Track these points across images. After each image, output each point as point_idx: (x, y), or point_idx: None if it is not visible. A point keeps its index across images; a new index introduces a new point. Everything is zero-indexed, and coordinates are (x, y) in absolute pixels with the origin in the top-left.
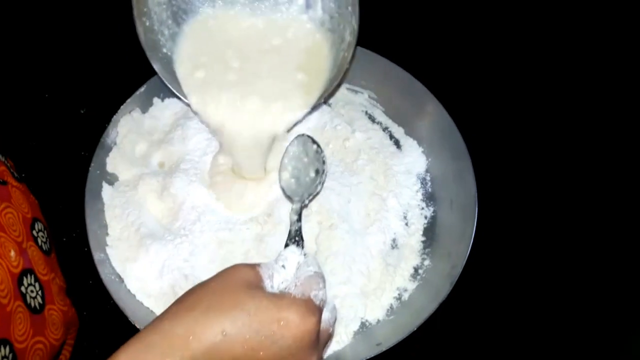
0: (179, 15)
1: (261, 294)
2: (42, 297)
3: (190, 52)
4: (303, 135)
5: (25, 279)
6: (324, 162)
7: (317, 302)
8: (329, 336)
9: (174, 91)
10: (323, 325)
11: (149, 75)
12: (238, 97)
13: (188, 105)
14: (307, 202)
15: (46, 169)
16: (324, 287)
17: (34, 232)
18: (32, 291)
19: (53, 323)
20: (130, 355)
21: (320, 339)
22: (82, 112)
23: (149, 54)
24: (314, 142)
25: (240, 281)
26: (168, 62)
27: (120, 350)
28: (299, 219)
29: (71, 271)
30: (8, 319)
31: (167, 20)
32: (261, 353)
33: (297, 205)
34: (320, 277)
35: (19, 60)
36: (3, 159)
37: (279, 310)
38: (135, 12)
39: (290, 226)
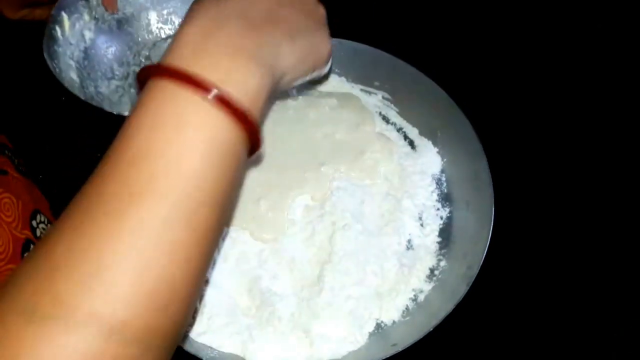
0: None
1: None
2: None
3: None
4: None
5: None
6: None
7: None
8: None
9: None
10: None
11: None
12: None
13: None
14: None
15: (62, 170)
16: None
17: (34, 223)
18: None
19: None
20: None
21: None
22: (99, 115)
23: None
24: None
25: None
26: None
27: None
28: None
29: None
30: None
31: None
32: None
33: None
34: None
35: (37, 64)
36: (7, 153)
37: None
38: None
39: None
